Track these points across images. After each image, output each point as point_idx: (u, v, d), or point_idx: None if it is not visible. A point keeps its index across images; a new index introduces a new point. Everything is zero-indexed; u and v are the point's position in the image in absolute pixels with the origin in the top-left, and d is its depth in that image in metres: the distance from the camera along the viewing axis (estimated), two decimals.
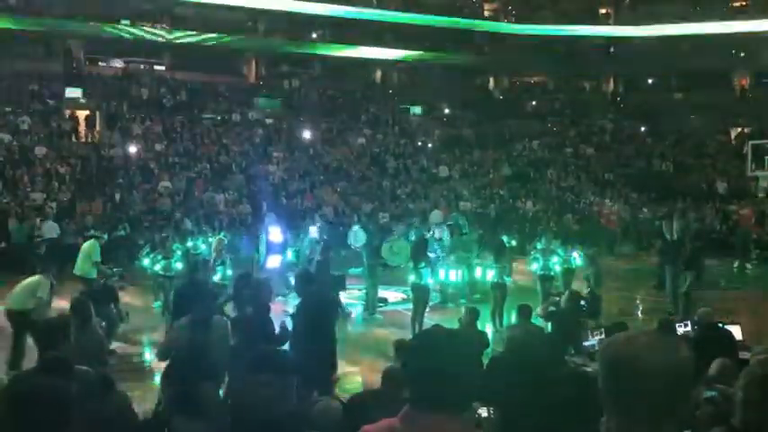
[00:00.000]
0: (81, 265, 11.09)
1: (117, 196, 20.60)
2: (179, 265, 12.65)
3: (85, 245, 11.45)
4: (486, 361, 5.70)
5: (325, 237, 14.20)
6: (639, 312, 13.02)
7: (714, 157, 28.87)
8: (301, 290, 6.79)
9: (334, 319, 7.05)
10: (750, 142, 25.70)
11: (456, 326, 7.12)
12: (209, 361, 4.69)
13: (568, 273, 12.24)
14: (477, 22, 36.76)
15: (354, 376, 8.53)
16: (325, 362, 6.62)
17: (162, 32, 30.89)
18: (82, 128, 25.53)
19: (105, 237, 11.78)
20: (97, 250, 11.09)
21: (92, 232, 12.81)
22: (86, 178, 21.58)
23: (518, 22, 37.18)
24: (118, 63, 30.98)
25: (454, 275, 13.63)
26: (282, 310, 10.11)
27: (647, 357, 1.53)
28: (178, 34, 31.15)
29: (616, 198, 25.29)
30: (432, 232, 14.77)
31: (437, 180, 27.15)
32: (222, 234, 15.66)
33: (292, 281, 12.31)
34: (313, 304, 6.64)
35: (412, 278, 11.09)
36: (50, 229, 16.78)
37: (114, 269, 11.42)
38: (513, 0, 38.01)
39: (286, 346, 6.06)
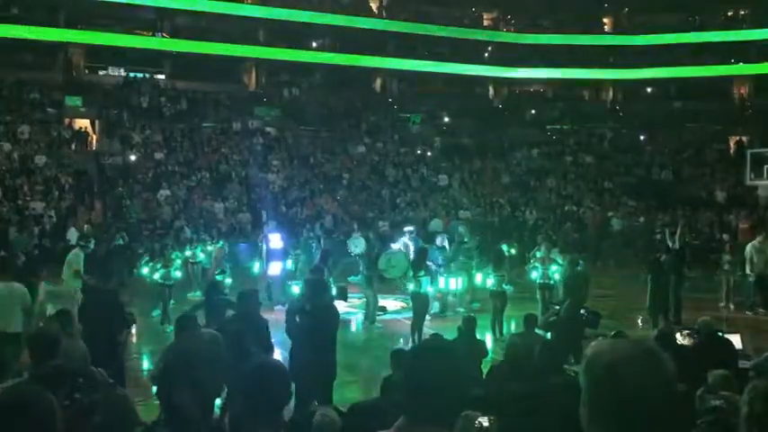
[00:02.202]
0: (65, 275, 11.05)
1: (116, 204, 20.60)
2: (178, 274, 12.66)
3: (69, 255, 11.40)
4: (485, 370, 5.69)
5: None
6: (639, 321, 12.96)
7: (713, 165, 28.87)
8: (310, 298, 6.84)
9: (335, 329, 7.01)
10: (749, 151, 25.70)
11: (455, 335, 7.10)
12: (195, 373, 4.64)
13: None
14: (476, 31, 36.77)
15: (353, 385, 8.50)
16: (325, 371, 6.61)
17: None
18: (82, 136, 25.54)
19: (91, 246, 11.59)
20: (79, 260, 11.02)
21: (78, 242, 12.70)
22: (86, 187, 21.58)
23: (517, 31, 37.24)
24: (118, 72, 31.00)
25: (454, 284, 13.60)
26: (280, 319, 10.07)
27: (629, 376, 1.46)
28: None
29: (614, 206, 25.29)
30: (433, 241, 14.71)
31: (437, 189, 27.17)
32: (221, 243, 15.66)
33: (292, 289, 12.35)
34: (313, 313, 6.64)
35: (411, 287, 11.08)
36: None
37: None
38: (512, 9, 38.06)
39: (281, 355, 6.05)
